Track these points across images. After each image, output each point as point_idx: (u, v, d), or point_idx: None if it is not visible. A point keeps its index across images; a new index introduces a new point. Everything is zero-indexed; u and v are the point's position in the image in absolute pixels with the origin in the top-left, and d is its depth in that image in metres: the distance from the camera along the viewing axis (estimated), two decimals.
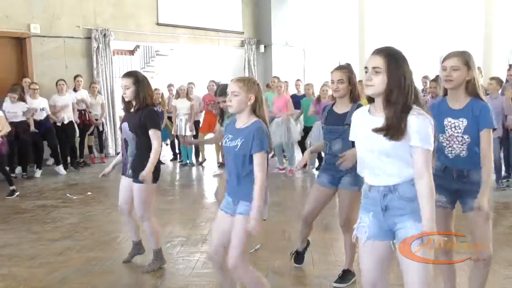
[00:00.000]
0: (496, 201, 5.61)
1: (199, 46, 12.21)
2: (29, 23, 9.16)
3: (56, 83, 8.38)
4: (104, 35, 10.05)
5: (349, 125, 2.33)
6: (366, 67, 2.06)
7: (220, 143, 6.48)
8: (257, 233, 2.49)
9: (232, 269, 2.59)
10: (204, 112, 8.99)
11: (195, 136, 8.88)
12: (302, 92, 8.91)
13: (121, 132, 3.69)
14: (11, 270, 3.80)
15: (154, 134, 3.49)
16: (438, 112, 2.62)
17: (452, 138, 2.59)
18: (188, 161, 9.07)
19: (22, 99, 7.49)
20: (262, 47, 12.58)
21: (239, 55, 12.46)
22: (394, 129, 1.96)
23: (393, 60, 2.00)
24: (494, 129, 2.57)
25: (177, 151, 9.72)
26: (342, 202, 3.35)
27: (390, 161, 2.02)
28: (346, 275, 3.41)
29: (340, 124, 3.19)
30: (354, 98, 3.25)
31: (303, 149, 8.52)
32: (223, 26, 12.02)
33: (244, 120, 2.61)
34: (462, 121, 2.56)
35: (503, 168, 6.71)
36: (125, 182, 3.68)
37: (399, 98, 1.97)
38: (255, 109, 2.61)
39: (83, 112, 8.79)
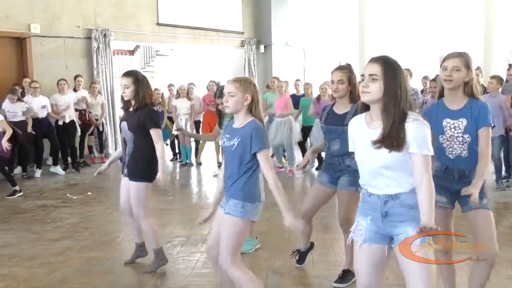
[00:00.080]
0: (496, 201, 5.62)
1: (199, 46, 12.21)
2: (29, 23, 9.16)
3: (58, 82, 8.38)
4: (104, 35, 10.05)
5: None
6: (362, 75, 2.09)
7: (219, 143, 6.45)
8: (296, 227, 2.53)
9: (222, 266, 2.62)
10: (204, 112, 8.99)
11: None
12: (301, 92, 8.92)
13: (120, 131, 3.69)
14: (11, 270, 3.80)
15: (155, 134, 3.50)
16: (436, 114, 2.63)
17: (453, 138, 2.59)
18: (187, 161, 9.08)
19: (19, 99, 7.50)
20: (262, 47, 12.58)
21: (239, 55, 12.47)
22: (393, 139, 1.97)
23: (390, 68, 2.03)
24: (492, 127, 2.57)
25: (177, 151, 9.72)
26: (341, 202, 3.36)
27: (391, 173, 2.04)
28: (346, 275, 3.41)
29: (339, 124, 3.19)
30: (354, 99, 3.25)
31: (302, 149, 8.53)
32: (223, 26, 12.02)
33: (240, 120, 2.63)
34: (462, 121, 2.56)
35: (503, 168, 6.71)
36: (125, 182, 3.68)
37: (395, 106, 1.99)
38: (252, 109, 2.62)
39: (83, 112, 8.80)
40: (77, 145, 8.71)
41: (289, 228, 2.51)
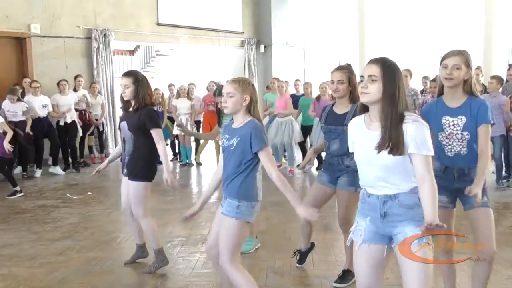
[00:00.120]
0: (496, 201, 5.61)
1: (199, 46, 12.21)
2: (29, 23, 9.16)
3: (59, 83, 8.38)
4: (104, 35, 10.06)
5: None
6: (362, 76, 2.09)
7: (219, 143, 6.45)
8: (311, 216, 2.50)
9: (221, 265, 2.64)
10: (204, 112, 9.00)
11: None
12: (301, 91, 8.93)
13: (120, 131, 3.69)
14: (11, 270, 3.80)
15: (156, 134, 3.51)
16: (435, 112, 2.64)
17: (452, 136, 2.60)
18: (187, 161, 9.08)
19: (19, 99, 7.51)
20: (262, 47, 12.58)
21: (239, 55, 12.46)
22: (393, 143, 1.98)
23: (389, 69, 2.04)
24: (492, 124, 2.57)
25: (177, 151, 9.72)
26: (340, 202, 3.36)
27: (391, 174, 2.04)
28: (346, 275, 3.41)
29: (339, 124, 3.20)
30: (354, 99, 3.25)
31: (303, 149, 8.54)
32: (223, 26, 12.02)
33: (239, 120, 2.65)
34: (461, 118, 2.57)
35: (503, 168, 6.71)
36: (125, 182, 3.69)
37: (393, 107, 2.01)
38: (250, 109, 2.64)
39: (83, 112, 8.80)
40: (77, 145, 8.72)
41: (304, 219, 2.51)
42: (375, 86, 2.03)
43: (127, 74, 3.57)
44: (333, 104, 3.39)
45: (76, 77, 8.96)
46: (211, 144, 9.09)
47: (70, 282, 3.55)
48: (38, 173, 7.98)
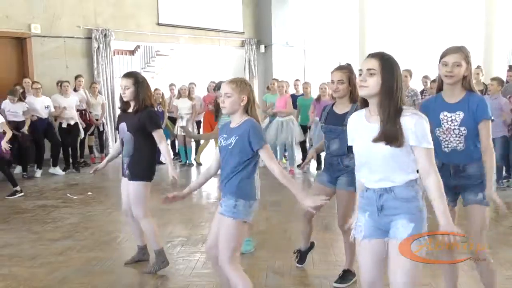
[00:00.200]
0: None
1: (199, 46, 12.22)
2: (29, 23, 9.17)
3: (61, 84, 8.38)
4: (105, 35, 10.06)
5: None
6: (360, 69, 2.11)
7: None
8: (316, 204, 2.54)
9: (220, 265, 2.65)
10: (204, 112, 9.01)
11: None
12: (301, 91, 8.93)
13: (118, 132, 3.69)
14: (12, 270, 3.80)
15: (158, 135, 3.55)
16: (434, 107, 2.65)
17: (449, 131, 2.61)
18: (187, 161, 9.09)
19: (21, 100, 7.51)
20: (262, 47, 12.57)
21: (240, 55, 12.46)
22: (392, 135, 1.99)
23: (388, 63, 2.06)
24: (492, 120, 2.58)
25: (177, 151, 9.73)
26: (340, 202, 3.36)
27: (388, 167, 2.06)
28: (346, 275, 3.41)
29: (339, 124, 3.20)
30: (354, 99, 3.25)
31: (303, 148, 8.54)
32: (223, 26, 12.02)
33: (237, 120, 2.67)
34: (459, 114, 2.58)
35: (504, 168, 6.70)
36: (125, 183, 3.69)
37: (391, 100, 2.02)
38: (248, 109, 2.66)
39: (83, 112, 8.80)
40: (77, 145, 8.72)
41: (310, 208, 2.53)
42: (374, 79, 2.04)
43: (128, 75, 3.58)
44: (333, 104, 3.39)
45: (76, 77, 8.96)
46: (211, 144, 9.10)
47: (70, 282, 3.55)
48: (38, 173, 7.98)
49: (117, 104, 10.07)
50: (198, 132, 9.03)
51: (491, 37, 9.13)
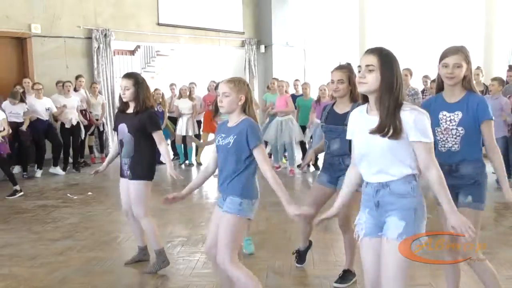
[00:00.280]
0: (496, 201, 5.61)
1: (199, 46, 12.22)
2: (29, 23, 9.17)
3: (63, 84, 8.38)
4: (105, 35, 10.07)
5: None
6: (359, 66, 2.11)
7: None
8: (298, 218, 2.57)
9: (220, 264, 2.64)
10: (205, 112, 9.01)
11: (197, 136, 8.94)
12: (300, 91, 8.94)
13: (116, 133, 3.69)
14: (12, 270, 3.81)
15: (158, 137, 3.58)
16: (434, 106, 2.65)
17: (447, 131, 2.61)
18: (186, 161, 9.09)
19: (22, 101, 7.52)
20: (262, 47, 12.58)
21: (240, 55, 12.47)
22: (390, 127, 1.99)
23: (386, 58, 2.06)
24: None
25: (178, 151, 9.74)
26: None
27: (386, 161, 2.05)
28: (346, 275, 3.41)
29: (339, 124, 3.19)
30: (355, 98, 3.25)
31: (303, 148, 8.54)
32: (223, 26, 12.02)
33: (234, 120, 2.69)
34: (457, 114, 2.58)
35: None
36: (124, 184, 3.69)
37: (391, 95, 2.02)
38: (245, 108, 2.68)
39: (83, 112, 8.80)
40: (78, 145, 8.71)
41: (293, 218, 2.53)
42: (373, 75, 2.04)
43: (128, 76, 3.60)
44: (333, 104, 3.39)
45: (77, 77, 8.97)
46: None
47: (71, 282, 3.55)
48: (39, 173, 7.98)
49: (117, 104, 10.07)
50: (198, 132, 9.05)
51: (491, 37, 9.13)
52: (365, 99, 2.16)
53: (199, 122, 9.24)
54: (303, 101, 8.36)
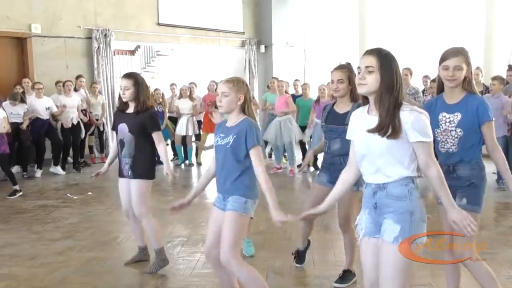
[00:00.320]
0: (496, 201, 5.62)
1: (199, 46, 12.22)
2: (30, 23, 9.18)
3: (63, 84, 8.38)
4: (105, 35, 10.07)
5: None
6: (359, 67, 2.11)
7: None
8: (281, 223, 2.54)
9: (224, 263, 2.64)
10: (205, 112, 9.02)
11: (197, 136, 8.94)
12: (300, 92, 8.95)
13: (115, 133, 3.69)
14: (12, 270, 3.81)
15: (157, 137, 3.60)
16: (434, 108, 2.66)
17: (447, 132, 2.62)
18: (187, 161, 9.10)
19: (22, 101, 7.52)
20: (262, 48, 12.58)
21: (240, 55, 12.47)
22: (389, 127, 2.00)
23: (386, 59, 2.06)
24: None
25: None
26: (341, 201, 3.33)
27: (384, 161, 2.06)
28: (346, 275, 3.41)
29: (340, 123, 3.19)
30: (355, 98, 3.25)
31: (303, 148, 8.54)
32: (223, 26, 12.02)
33: (233, 119, 2.69)
34: (457, 115, 2.58)
35: None
36: (123, 184, 3.70)
37: (391, 96, 2.02)
38: (244, 108, 2.68)
39: (83, 112, 8.80)
40: (79, 144, 8.72)
41: (277, 224, 2.54)
42: (373, 76, 2.04)
43: (128, 76, 3.60)
44: (334, 103, 3.38)
45: (78, 77, 8.97)
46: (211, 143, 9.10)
47: (70, 282, 3.55)
48: (39, 173, 7.98)
49: (117, 104, 10.06)
50: (199, 132, 9.06)
51: (491, 37, 9.13)
52: (366, 101, 2.17)
53: (199, 122, 9.25)
54: (303, 101, 8.36)
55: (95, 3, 10.05)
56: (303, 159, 7.84)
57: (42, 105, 7.90)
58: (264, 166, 2.62)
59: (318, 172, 3.58)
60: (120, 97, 3.64)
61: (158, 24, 10.99)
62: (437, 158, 2.61)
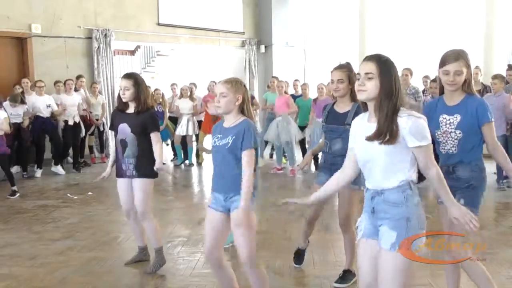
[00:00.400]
0: (496, 201, 5.62)
1: (199, 47, 12.22)
2: (30, 23, 9.17)
3: (64, 82, 8.39)
4: (105, 35, 10.07)
5: (350, 125, 2.35)
6: (358, 74, 2.12)
7: None
8: (250, 224, 2.59)
9: (247, 264, 2.68)
10: (204, 112, 9.02)
11: (198, 136, 8.95)
12: (300, 92, 8.95)
13: (115, 133, 3.69)
14: (12, 270, 3.81)
15: (155, 137, 3.62)
16: (435, 109, 2.67)
17: (447, 134, 2.62)
18: (187, 161, 9.09)
19: (22, 101, 7.53)
20: (262, 48, 12.58)
21: (240, 55, 12.47)
22: (386, 133, 2.00)
23: (385, 66, 2.07)
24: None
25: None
26: (342, 201, 3.35)
27: (384, 167, 2.07)
28: (346, 275, 3.41)
29: (340, 123, 3.19)
30: (355, 97, 3.24)
31: (303, 148, 8.54)
32: (223, 27, 12.02)
33: (232, 120, 2.68)
34: (456, 117, 2.59)
35: None
36: (123, 184, 3.70)
37: (390, 102, 2.03)
38: (243, 109, 2.68)
39: (84, 111, 8.80)
40: (79, 144, 8.72)
41: (238, 223, 2.57)
42: (372, 83, 2.05)
43: (127, 76, 3.61)
44: (334, 103, 3.37)
45: (78, 77, 8.98)
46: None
47: (70, 282, 3.55)
48: (39, 173, 7.98)
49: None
50: (199, 132, 9.05)
51: (491, 37, 9.13)
52: (366, 107, 2.18)
53: (200, 122, 9.25)
54: (303, 101, 8.36)
55: (95, 3, 10.05)
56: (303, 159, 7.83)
57: (43, 102, 7.91)
58: (252, 169, 2.60)
59: (318, 172, 3.57)
60: (119, 97, 3.64)
61: (158, 24, 10.99)
62: (438, 159, 2.62)
